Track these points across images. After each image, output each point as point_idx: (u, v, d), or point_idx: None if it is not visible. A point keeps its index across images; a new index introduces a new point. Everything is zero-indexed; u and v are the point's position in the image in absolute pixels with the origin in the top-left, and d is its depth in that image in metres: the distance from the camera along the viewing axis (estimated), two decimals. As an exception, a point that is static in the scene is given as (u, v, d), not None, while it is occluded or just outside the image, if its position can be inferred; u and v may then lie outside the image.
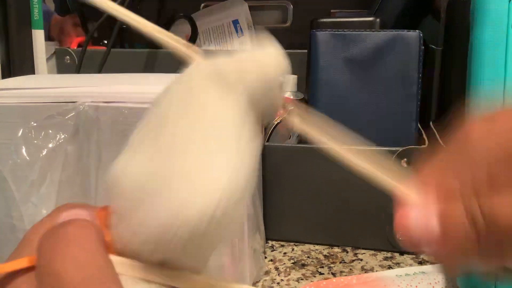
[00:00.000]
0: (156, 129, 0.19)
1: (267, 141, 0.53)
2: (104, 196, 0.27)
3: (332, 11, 0.79)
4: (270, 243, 0.51)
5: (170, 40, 0.21)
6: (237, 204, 0.17)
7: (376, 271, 0.45)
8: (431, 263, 0.47)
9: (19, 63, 0.65)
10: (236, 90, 0.19)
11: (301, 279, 0.44)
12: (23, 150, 0.34)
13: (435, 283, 0.43)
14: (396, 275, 0.44)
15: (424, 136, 0.49)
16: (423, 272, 0.44)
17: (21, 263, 0.18)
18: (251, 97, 0.19)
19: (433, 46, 0.51)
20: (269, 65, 0.19)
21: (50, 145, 0.35)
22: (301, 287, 0.42)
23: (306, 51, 0.53)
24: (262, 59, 0.20)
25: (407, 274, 0.44)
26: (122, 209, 0.18)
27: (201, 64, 0.20)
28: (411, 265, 0.46)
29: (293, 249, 0.50)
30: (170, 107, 0.19)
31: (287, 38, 0.81)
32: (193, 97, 0.19)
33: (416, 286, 0.42)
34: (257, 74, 0.19)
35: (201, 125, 0.18)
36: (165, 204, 0.17)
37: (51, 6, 0.81)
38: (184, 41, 0.21)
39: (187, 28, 0.73)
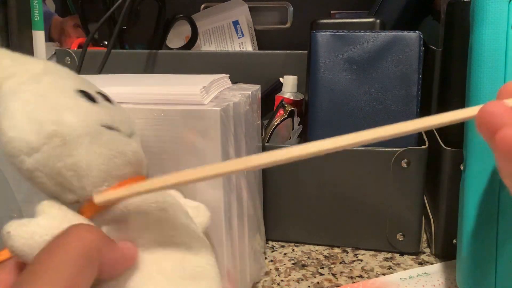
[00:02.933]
0: None
1: (267, 141, 0.53)
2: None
3: (332, 12, 0.79)
4: (271, 243, 0.51)
5: None
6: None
7: (376, 271, 0.45)
8: (431, 263, 0.47)
9: (19, 64, 0.65)
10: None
11: (301, 280, 0.44)
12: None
13: (438, 284, 0.43)
14: (400, 278, 0.44)
15: (424, 136, 0.49)
16: (426, 273, 0.44)
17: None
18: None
19: (433, 47, 0.51)
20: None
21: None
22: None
23: (306, 52, 0.53)
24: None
25: (411, 277, 0.44)
26: None
27: None
28: (411, 265, 0.46)
29: (293, 250, 0.50)
30: None
31: (287, 39, 0.82)
32: None
33: (423, 286, 0.42)
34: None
35: None
36: None
37: (52, 7, 0.81)
38: None
39: (187, 29, 0.73)
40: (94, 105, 0.26)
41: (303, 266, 0.46)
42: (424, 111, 0.51)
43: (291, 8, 0.82)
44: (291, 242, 0.51)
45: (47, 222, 0.23)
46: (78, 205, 0.25)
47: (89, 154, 0.24)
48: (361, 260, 0.47)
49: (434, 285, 0.42)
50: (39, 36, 0.67)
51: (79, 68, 0.60)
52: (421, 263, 0.47)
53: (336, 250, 0.50)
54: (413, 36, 0.48)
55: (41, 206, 0.24)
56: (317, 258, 0.48)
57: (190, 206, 0.30)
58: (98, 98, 0.27)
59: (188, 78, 0.41)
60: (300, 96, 0.58)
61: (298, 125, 0.55)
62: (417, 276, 0.44)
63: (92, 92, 0.27)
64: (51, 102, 0.24)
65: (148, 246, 0.25)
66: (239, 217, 0.38)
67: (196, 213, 0.30)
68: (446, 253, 0.47)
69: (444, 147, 0.45)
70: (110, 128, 0.26)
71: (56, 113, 0.24)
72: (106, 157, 0.25)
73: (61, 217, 0.24)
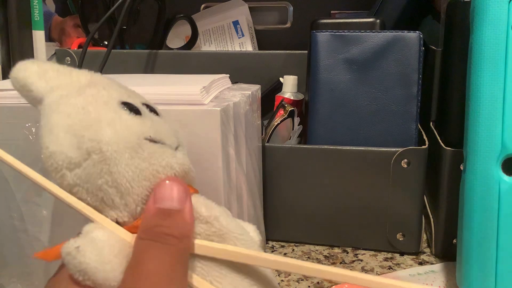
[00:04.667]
0: None
1: (267, 141, 0.53)
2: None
3: (332, 12, 0.80)
4: (271, 243, 0.51)
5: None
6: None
7: (377, 271, 0.45)
8: (431, 263, 0.47)
9: (19, 64, 0.65)
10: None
11: (301, 280, 0.44)
12: (24, 151, 0.34)
13: (442, 282, 0.43)
14: (410, 274, 0.44)
15: (424, 136, 0.49)
16: (432, 271, 0.45)
17: None
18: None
19: (433, 47, 0.51)
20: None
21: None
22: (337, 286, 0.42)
23: (306, 52, 0.53)
24: None
25: (419, 274, 0.44)
26: None
27: None
28: (411, 265, 0.46)
29: (293, 250, 0.50)
30: None
31: (287, 39, 0.82)
32: None
33: (431, 284, 0.42)
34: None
35: None
36: None
37: (52, 7, 0.81)
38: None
39: (187, 29, 0.73)
40: (138, 117, 0.25)
41: (303, 266, 0.46)
42: (424, 111, 0.51)
43: (291, 8, 0.82)
44: (291, 242, 0.51)
45: (109, 236, 0.23)
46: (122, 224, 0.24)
47: (130, 170, 0.23)
48: (361, 260, 0.47)
49: (443, 281, 0.43)
50: (39, 36, 0.67)
51: (79, 68, 0.59)
52: (421, 263, 0.47)
53: (336, 250, 0.50)
54: (413, 36, 0.48)
55: (89, 226, 0.23)
56: (317, 258, 0.48)
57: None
58: (143, 109, 0.26)
59: (188, 78, 0.41)
60: (300, 96, 0.58)
61: (298, 125, 0.55)
62: (425, 273, 0.44)
63: (137, 103, 0.26)
64: (91, 116, 0.23)
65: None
66: (239, 217, 0.38)
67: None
68: (446, 253, 0.47)
69: (444, 147, 0.45)
70: (153, 141, 0.24)
71: (95, 128, 0.23)
72: (149, 173, 0.24)
73: (117, 231, 0.23)
